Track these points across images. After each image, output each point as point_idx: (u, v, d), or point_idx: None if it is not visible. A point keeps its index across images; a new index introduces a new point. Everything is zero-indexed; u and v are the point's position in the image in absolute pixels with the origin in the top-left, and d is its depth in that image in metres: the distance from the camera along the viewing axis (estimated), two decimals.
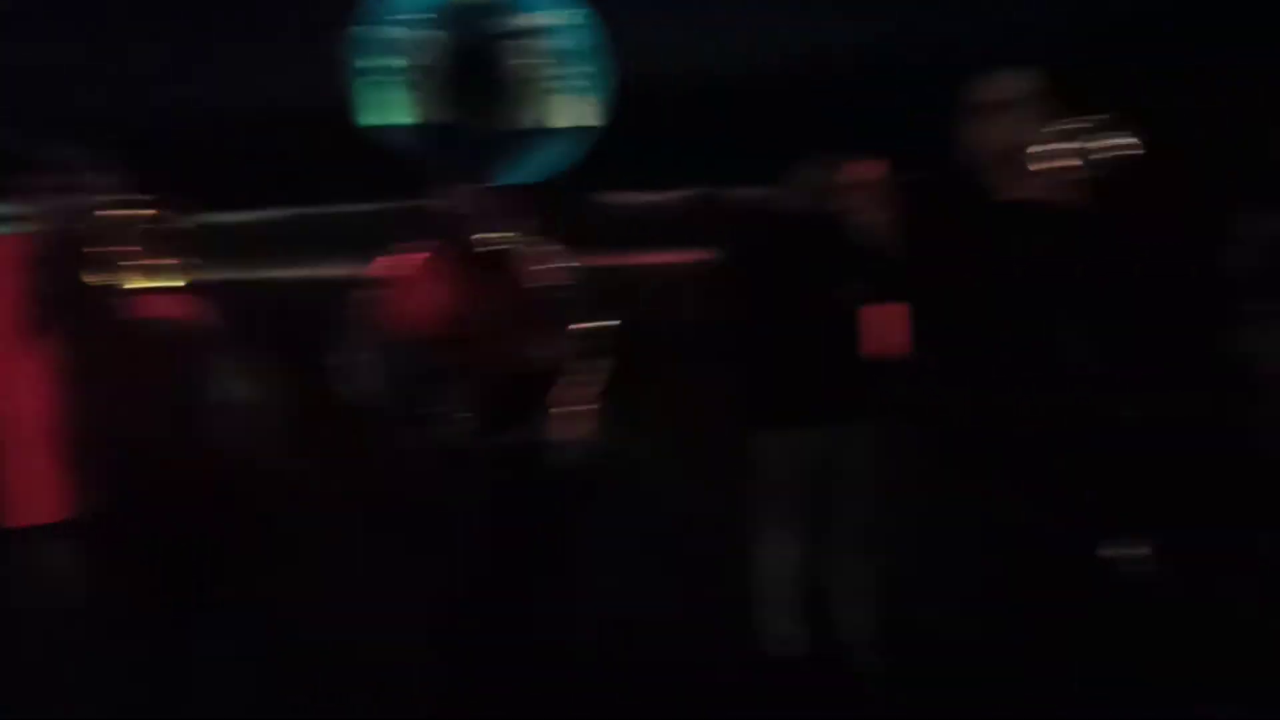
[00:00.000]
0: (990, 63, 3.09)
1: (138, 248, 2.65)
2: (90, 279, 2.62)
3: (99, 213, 2.63)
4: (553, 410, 3.29)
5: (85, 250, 2.62)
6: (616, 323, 3.30)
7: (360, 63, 9.27)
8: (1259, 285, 3.27)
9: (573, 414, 3.29)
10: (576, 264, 3.42)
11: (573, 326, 3.34)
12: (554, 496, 3.31)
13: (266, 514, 2.81)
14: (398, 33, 9.34)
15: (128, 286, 2.64)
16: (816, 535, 3.30)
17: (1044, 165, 2.78)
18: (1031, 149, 2.82)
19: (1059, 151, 2.76)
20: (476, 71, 9.24)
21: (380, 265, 3.31)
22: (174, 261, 2.71)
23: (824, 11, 6.98)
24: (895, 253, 3.15)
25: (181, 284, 2.71)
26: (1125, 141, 2.70)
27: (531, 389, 3.28)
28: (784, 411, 3.28)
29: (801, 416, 3.26)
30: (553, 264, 3.37)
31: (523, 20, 9.34)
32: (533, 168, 9.00)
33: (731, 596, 3.46)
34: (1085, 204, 2.82)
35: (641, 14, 8.23)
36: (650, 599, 3.86)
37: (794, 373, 3.25)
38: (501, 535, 3.21)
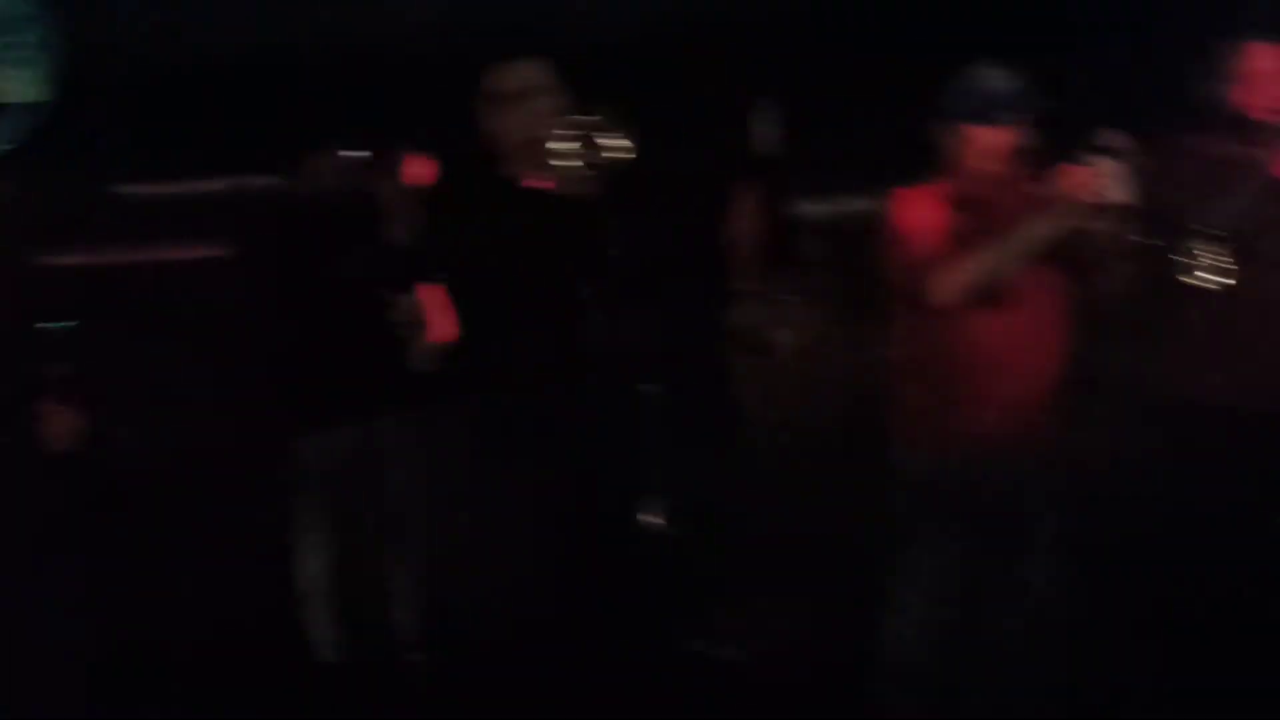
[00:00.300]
0: (509, 52, 3.12)
1: None
2: None
3: None
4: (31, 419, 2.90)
5: None
6: (72, 324, 2.95)
7: None
8: (758, 266, 3.62)
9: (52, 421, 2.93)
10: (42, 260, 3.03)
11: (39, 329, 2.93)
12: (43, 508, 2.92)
13: None
14: None
15: None
16: (360, 534, 3.22)
17: (558, 156, 2.85)
18: (547, 139, 2.88)
19: (573, 143, 2.84)
20: None
21: None
22: None
23: None
24: (423, 240, 3.11)
25: None
26: (629, 136, 2.83)
27: None
28: (321, 408, 3.15)
29: (339, 412, 3.14)
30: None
31: None
32: None
33: (276, 603, 3.27)
34: (597, 193, 2.93)
35: None
36: (188, 611, 3.57)
37: (330, 367, 3.12)
38: None
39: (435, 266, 3.01)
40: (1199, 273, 2.48)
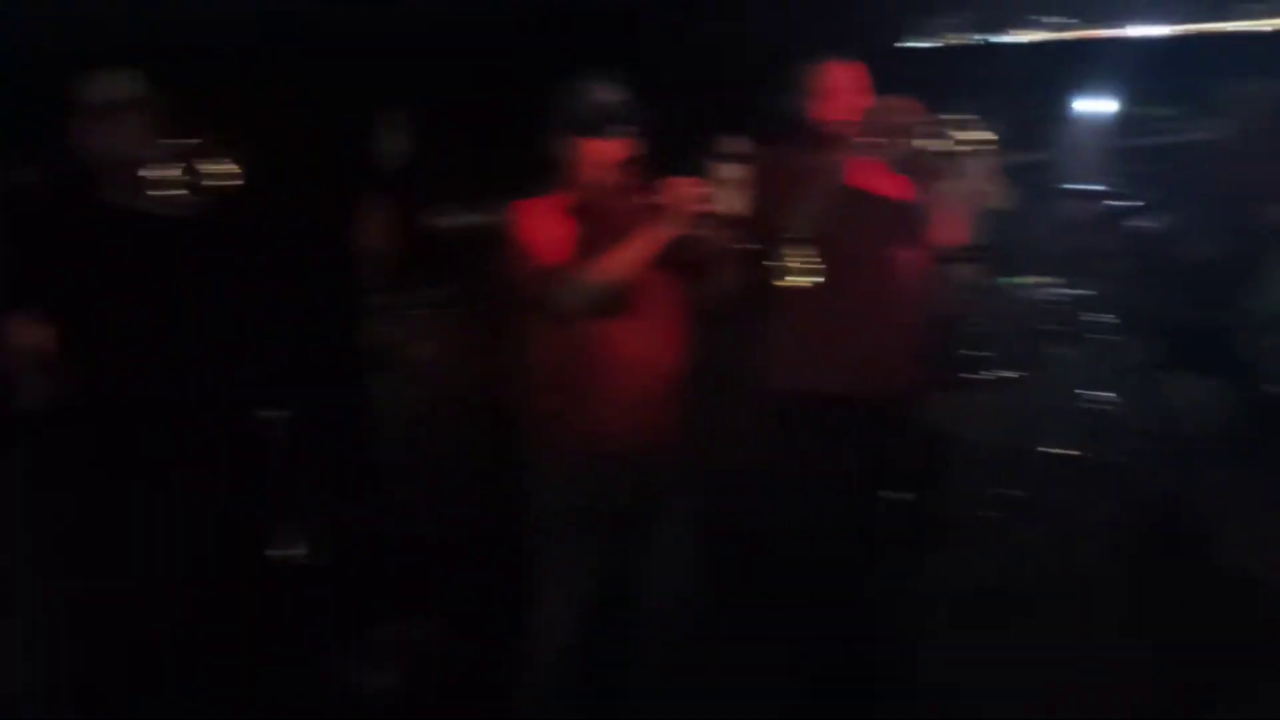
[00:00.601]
0: (102, 59, 2.88)
1: None
2: None
3: None
4: None
5: None
6: None
7: None
8: (389, 279, 3.56)
9: None
10: None
11: None
12: None
13: None
14: None
15: None
16: None
17: (156, 178, 2.66)
18: (144, 156, 2.68)
19: (172, 164, 2.65)
20: None
21: None
22: None
23: None
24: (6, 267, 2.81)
25: None
26: (239, 154, 2.68)
27: None
28: None
29: None
30: None
31: None
32: None
33: None
34: (202, 214, 2.76)
35: None
36: None
37: None
38: None
39: (21, 296, 2.72)
40: (790, 274, 2.68)
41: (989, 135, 2.74)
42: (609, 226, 2.70)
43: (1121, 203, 4.91)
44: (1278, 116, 5.16)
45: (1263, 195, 4.92)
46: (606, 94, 2.78)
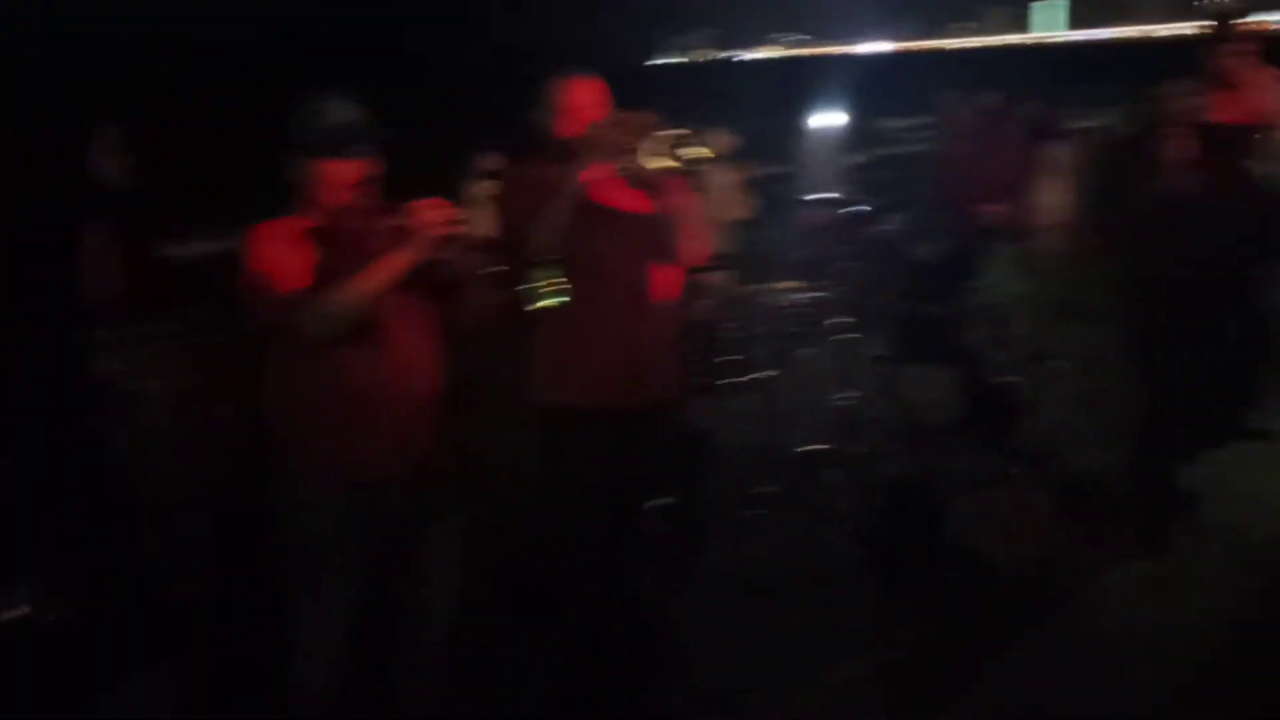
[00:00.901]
0: None
1: None
2: None
3: None
4: None
5: None
6: None
7: None
8: (117, 309, 3.34)
9: None
10: None
11: None
12: None
13: None
14: None
15: None
16: None
17: None
18: None
19: None
20: None
21: None
22: None
23: None
24: None
25: None
26: None
27: None
28: None
29: None
30: None
31: None
32: None
33: None
34: None
35: None
36: None
37: None
38: None
39: None
40: (537, 294, 2.69)
41: (723, 147, 2.83)
42: (351, 249, 2.63)
43: (856, 209, 5.21)
44: (986, 124, 5.63)
45: (977, 197, 5.36)
46: (343, 113, 2.70)
